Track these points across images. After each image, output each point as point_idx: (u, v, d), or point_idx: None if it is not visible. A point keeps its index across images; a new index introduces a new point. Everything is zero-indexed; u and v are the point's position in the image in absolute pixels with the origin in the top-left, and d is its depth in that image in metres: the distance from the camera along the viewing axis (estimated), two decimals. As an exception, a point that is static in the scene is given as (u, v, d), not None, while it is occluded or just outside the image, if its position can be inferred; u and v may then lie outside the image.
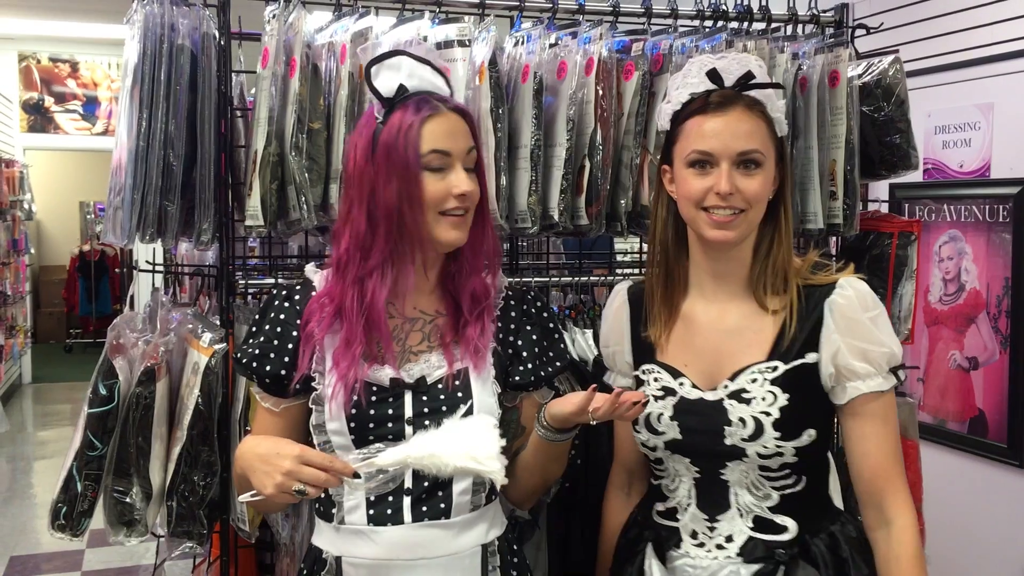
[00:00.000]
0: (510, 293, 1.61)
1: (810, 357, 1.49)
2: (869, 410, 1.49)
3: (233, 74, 1.94)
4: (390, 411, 1.47)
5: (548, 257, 2.90)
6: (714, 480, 1.52)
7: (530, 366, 1.56)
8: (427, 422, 1.45)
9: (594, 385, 1.44)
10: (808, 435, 1.47)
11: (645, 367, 1.60)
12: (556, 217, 1.88)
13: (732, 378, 1.50)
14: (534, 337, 1.59)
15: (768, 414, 1.46)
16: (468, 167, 1.49)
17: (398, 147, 1.43)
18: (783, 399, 1.46)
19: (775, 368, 1.49)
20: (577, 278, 2.18)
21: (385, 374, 1.48)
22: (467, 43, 1.82)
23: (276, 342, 1.52)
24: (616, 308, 1.69)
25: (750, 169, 1.46)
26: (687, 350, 1.56)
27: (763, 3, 2.16)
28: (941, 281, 3.33)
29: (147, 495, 1.82)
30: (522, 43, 1.93)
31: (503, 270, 1.70)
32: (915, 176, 2.53)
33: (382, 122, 1.47)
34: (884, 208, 2.64)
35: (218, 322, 1.91)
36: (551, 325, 1.63)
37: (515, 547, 1.59)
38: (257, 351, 1.53)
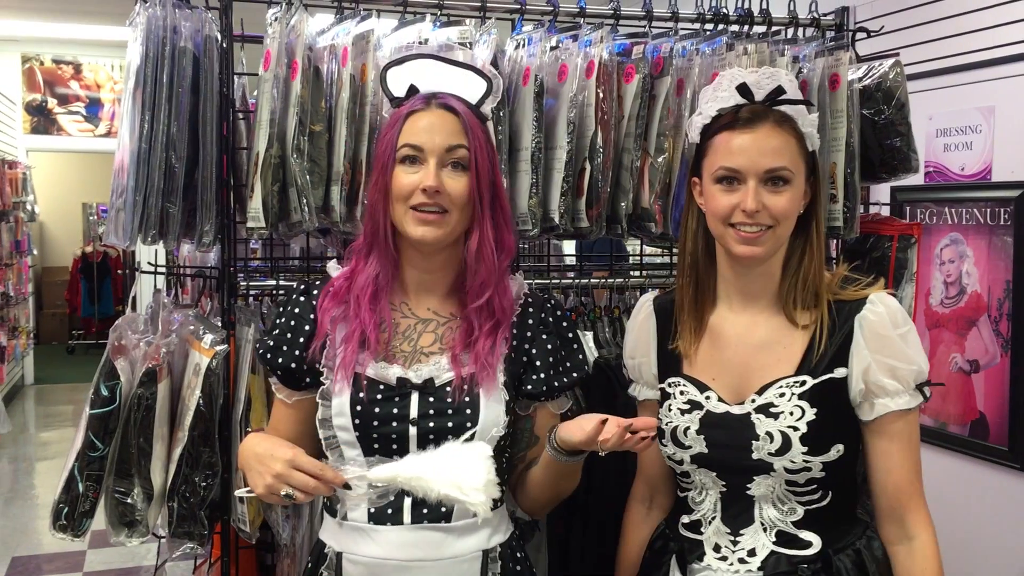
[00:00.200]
0: (529, 300, 1.59)
1: (839, 372, 1.48)
2: (896, 429, 1.48)
3: (235, 76, 1.94)
4: (395, 410, 1.47)
5: (548, 259, 2.90)
6: (740, 494, 1.51)
7: (543, 375, 1.54)
8: (431, 423, 1.46)
9: (604, 416, 1.40)
10: (836, 450, 1.46)
11: (671, 380, 1.58)
12: (556, 219, 1.88)
13: (760, 392, 1.49)
14: (549, 347, 1.56)
15: (796, 428, 1.45)
16: (450, 164, 1.47)
17: (383, 140, 1.50)
18: (811, 413, 1.45)
19: (803, 383, 1.47)
20: (577, 280, 2.18)
21: (393, 373, 1.48)
22: (468, 46, 1.82)
23: (290, 335, 1.55)
24: (641, 320, 1.68)
25: (778, 186, 1.45)
26: (714, 363, 1.55)
27: (764, 6, 2.16)
28: (942, 284, 3.32)
29: (148, 496, 1.83)
30: (523, 46, 1.94)
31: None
32: (916, 179, 2.53)
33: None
34: (886, 211, 2.63)
35: (220, 323, 1.92)
36: (569, 335, 1.60)
37: (519, 554, 1.56)
38: (272, 342, 1.56)
